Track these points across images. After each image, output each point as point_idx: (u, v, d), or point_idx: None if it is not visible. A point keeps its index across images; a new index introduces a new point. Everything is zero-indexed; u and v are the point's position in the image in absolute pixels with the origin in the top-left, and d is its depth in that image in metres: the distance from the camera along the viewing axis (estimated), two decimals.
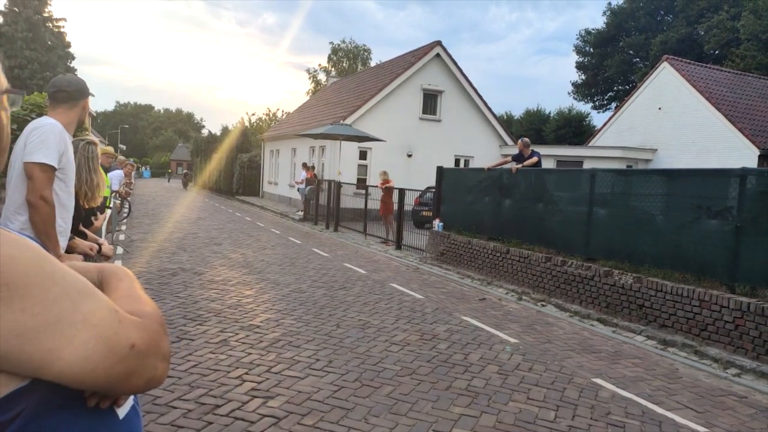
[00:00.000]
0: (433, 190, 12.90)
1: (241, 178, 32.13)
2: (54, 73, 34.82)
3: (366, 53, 50.01)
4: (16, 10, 39.25)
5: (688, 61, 23.49)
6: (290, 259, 10.35)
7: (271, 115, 51.89)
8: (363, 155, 21.29)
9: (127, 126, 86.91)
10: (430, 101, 22.33)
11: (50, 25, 41.77)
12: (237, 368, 4.51)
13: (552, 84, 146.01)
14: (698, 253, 6.58)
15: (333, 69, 47.60)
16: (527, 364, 5.19)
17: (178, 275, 8.15)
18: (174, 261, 9.37)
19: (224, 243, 12.03)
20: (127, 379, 0.75)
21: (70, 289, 0.73)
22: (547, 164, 17.65)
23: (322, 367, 4.69)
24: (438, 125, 22.31)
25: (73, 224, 3.15)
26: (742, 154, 18.24)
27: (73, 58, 44.22)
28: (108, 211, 8.48)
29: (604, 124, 25.24)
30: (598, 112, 48.95)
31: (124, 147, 69.57)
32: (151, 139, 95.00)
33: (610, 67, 38.56)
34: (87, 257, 3.37)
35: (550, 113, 39.11)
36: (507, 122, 34.52)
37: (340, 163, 17.95)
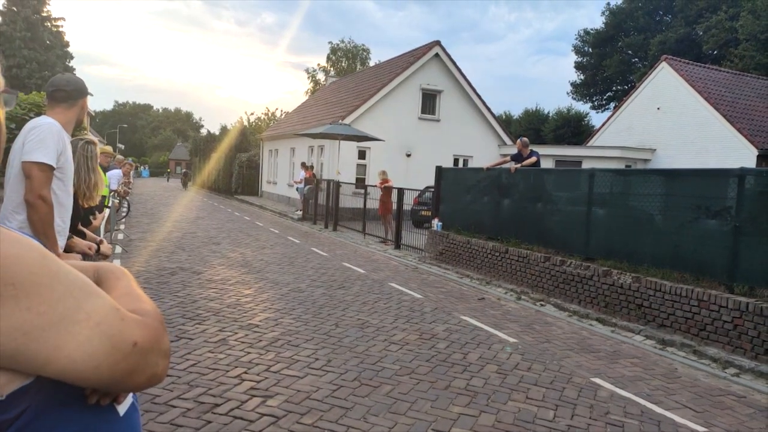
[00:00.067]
0: (432, 189, 12.90)
1: (239, 178, 32.12)
2: (52, 72, 34.80)
3: (365, 53, 50.03)
4: (15, 9, 39.19)
5: (686, 61, 23.51)
6: (289, 259, 10.35)
7: (270, 115, 51.88)
8: (362, 155, 21.29)
9: (125, 125, 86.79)
10: (429, 101, 22.33)
11: (49, 24, 41.69)
12: (236, 367, 4.51)
13: (551, 84, 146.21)
14: (697, 253, 6.59)
15: (332, 69, 47.61)
16: (526, 363, 5.20)
17: (177, 274, 8.15)
18: (173, 260, 9.36)
19: (223, 242, 12.03)
20: (130, 376, 0.77)
21: (73, 288, 0.74)
22: (546, 164, 17.68)
23: (321, 366, 4.69)
24: (437, 125, 22.31)
25: (71, 223, 3.15)
26: (741, 154, 18.26)
27: (72, 57, 44.12)
28: (106, 211, 8.48)
29: (603, 124, 25.26)
30: (597, 112, 49.07)
31: (122, 146, 69.48)
32: (150, 138, 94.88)
33: (609, 67, 38.59)
34: (85, 256, 3.37)
35: (548, 113, 39.15)
36: (506, 122, 34.56)
37: (339, 163, 17.94)
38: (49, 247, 2.64)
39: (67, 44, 43.32)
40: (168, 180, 55.14)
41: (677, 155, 20.46)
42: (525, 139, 10.50)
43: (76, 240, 3.39)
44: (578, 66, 42.41)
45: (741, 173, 6.18)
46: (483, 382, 4.59)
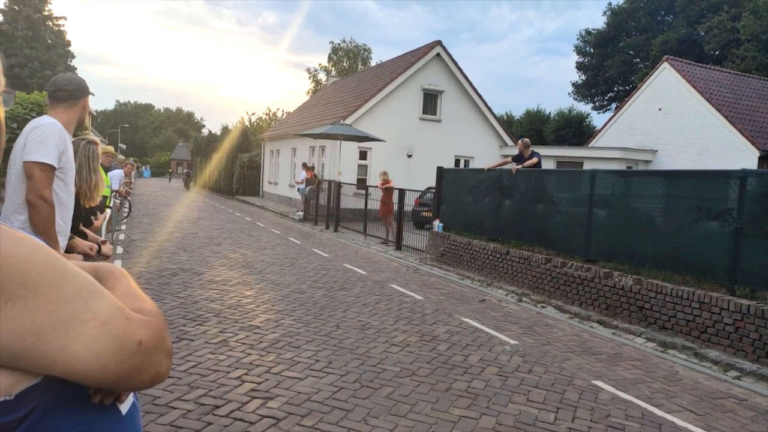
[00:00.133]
0: (433, 190, 12.90)
1: (241, 178, 32.12)
2: (54, 71, 34.82)
3: (366, 53, 50.05)
4: (16, 8, 39.24)
5: (688, 61, 23.49)
6: (290, 260, 10.34)
7: (271, 115, 51.91)
8: (363, 155, 21.28)
9: (127, 125, 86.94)
10: (431, 101, 22.32)
11: (50, 23, 41.76)
12: (237, 369, 4.50)
13: (552, 84, 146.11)
14: (698, 255, 6.57)
15: (333, 68, 47.61)
16: (527, 365, 5.19)
17: (178, 275, 8.14)
18: (174, 261, 9.36)
19: (224, 243, 12.03)
20: (135, 374, 0.78)
21: (81, 288, 0.75)
22: (547, 165, 17.66)
23: (322, 368, 4.68)
24: (438, 125, 22.31)
25: (73, 224, 3.14)
26: (742, 156, 18.25)
27: (73, 56, 44.19)
28: (108, 211, 8.48)
29: (605, 125, 25.24)
30: (599, 113, 49.04)
31: (124, 146, 69.61)
32: (151, 138, 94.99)
33: (611, 67, 38.58)
34: (87, 257, 3.37)
35: (550, 114, 39.13)
36: (507, 122, 34.53)
37: (340, 163, 17.94)
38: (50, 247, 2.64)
39: (68, 43, 43.39)
40: (170, 180, 55.15)
41: (678, 156, 20.44)
42: (526, 139, 10.49)
43: (78, 240, 3.39)
44: (580, 66, 42.39)
45: (742, 175, 6.16)
46: (484, 384, 4.58)
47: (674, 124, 21.20)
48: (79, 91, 2.94)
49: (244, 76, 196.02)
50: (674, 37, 33.48)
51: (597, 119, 64.85)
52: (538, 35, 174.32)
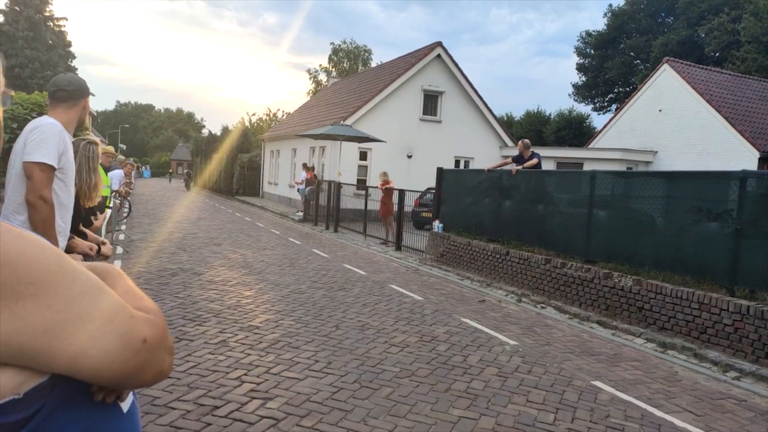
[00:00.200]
0: (433, 191, 12.90)
1: (241, 179, 32.13)
2: (55, 72, 34.86)
3: (367, 54, 50.08)
4: (17, 9, 39.30)
5: (688, 63, 23.49)
6: (290, 260, 10.35)
7: (271, 116, 51.90)
8: (363, 156, 21.30)
9: (127, 125, 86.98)
10: (431, 102, 22.34)
11: (51, 24, 41.82)
12: (236, 369, 4.51)
13: (552, 85, 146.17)
14: (698, 256, 6.58)
15: (333, 69, 47.65)
16: (526, 366, 5.19)
17: (178, 275, 8.15)
18: (174, 261, 9.36)
19: (224, 243, 12.03)
20: (140, 372, 0.79)
21: (88, 286, 0.76)
22: (548, 166, 17.67)
23: (322, 368, 4.69)
24: (438, 126, 22.32)
25: (72, 224, 3.15)
26: (743, 157, 18.26)
27: (74, 57, 44.25)
28: (108, 211, 8.48)
29: (605, 126, 25.25)
30: (599, 114, 49.06)
31: (124, 146, 69.64)
32: (152, 138, 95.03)
33: (611, 68, 38.58)
34: (86, 257, 3.37)
35: (550, 115, 39.11)
36: (507, 123, 34.54)
37: (340, 164, 17.94)
38: None
39: (69, 44, 43.46)
40: (170, 181, 55.13)
41: (679, 157, 20.44)
42: (526, 140, 10.50)
43: (77, 240, 3.39)
44: (580, 68, 42.40)
45: (743, 176, 6.17)
46: (483, 385, 4.58)
47: (674, 126, 21.21)
48: (80, 92, 2.95)
49: (244, 77, 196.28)
50: (675, 39, 33.49)
51: (597, 120, 64.86)
52: (538, 37, 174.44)
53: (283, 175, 27.79)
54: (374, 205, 14.94)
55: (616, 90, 41.45)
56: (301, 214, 19.31)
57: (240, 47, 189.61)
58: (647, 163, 21.38)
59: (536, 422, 3.95)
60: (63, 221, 2.92)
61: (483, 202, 10.69)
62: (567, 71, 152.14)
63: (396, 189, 13.52)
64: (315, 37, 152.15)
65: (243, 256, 10.37)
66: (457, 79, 22.40)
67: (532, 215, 9.30)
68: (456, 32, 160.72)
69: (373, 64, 45.73)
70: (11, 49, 37.79)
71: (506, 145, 23.01)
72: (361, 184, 19.30)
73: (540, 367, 5.20)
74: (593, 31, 40.91)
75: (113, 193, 10.21)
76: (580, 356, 5.70)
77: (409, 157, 21.58)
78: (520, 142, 10.48)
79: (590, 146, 24.96)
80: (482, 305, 7.83)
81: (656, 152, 21.56)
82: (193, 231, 13.93)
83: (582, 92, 42.65)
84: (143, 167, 66.83)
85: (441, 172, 12.05)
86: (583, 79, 42.35)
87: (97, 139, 3.61)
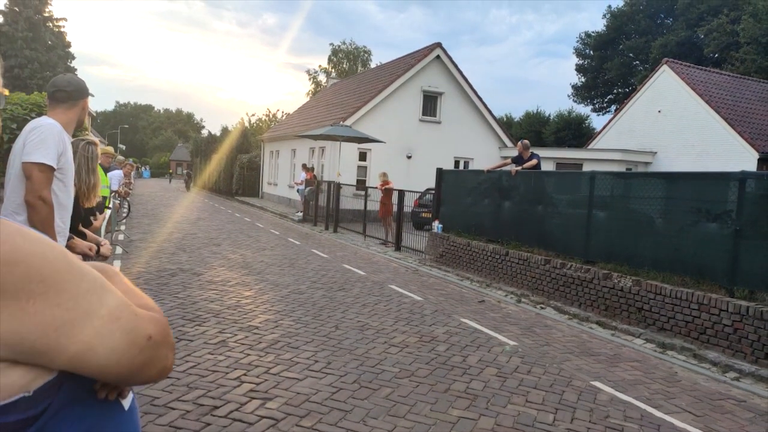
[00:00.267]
0: (433, 191, 12.91)
1: (240, 179, 32.13)
2: (54, 72, 34.85)
3: (366, 55, 50.12)
4: (17, 9, 39.27)
5: (687, 64, 23.52)
6: (289, 260, 10.35)
7: (270, 116, 51.90)
8: (363, 156, 21.30)
9: (126, 126, 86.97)
10: (430, 103, 22.35)
11: (50, 24, 41.79)
12: (235, 369, 4.50)
13: (552, 86, 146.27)
14: (697, 257, 6.58)
15: (333, 70, 47.67)
16: (526, 366, 5.19)
17: (177, 276, 8.14)
18: (173, 261, 9.36)
19: (223, 244, 12.03)
20: (144, 368, 0.81)
21: (94, 285, 0.77)
22: (547, 167, 17.68)
23: (321, 368, 4.68)
24: (438, 127, 22.33)
25: (72, 224, 3.15)
26: (742, 158, 18.28)
27: (74, 57, 44.20)
28: (107, 211, 8.47)
29: (604, 127, 25.26)
30: (598, 115, 49.08)
31: (123, 147, 69.62)
32: (151, 139, 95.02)
33: (610, 69, 38.61)
34: (85, 257, 3.37)
35: (549, 115, 39.15)
36: (507, 124, 34.55)
37: (339, 165, 17.95)
38: None
39: (68, 45, 43.41)
40: (170, 181, 55.04)
41: (678, 158, 20.46)
42: (526, 141, 10.51)
43: (77, 241, 3.39)
44: (579, 68, 42.43)
45: (742, 177, 6.17)
46: (483, 385, 4.58)
47: (674, 127, 21.22)
48: (79, 92, 2.95)
49: (244, 78, 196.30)
50: (674, 40, 33.52)
51: (596, 121, 64.78)
52: (537, 38, 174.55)
53: (282, 175, 27.79)
54: (374, 205, 14.94)
55: (615, 91, 41.48)
56: (300, 214, 19.31)
57: (239, 48, 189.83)
58: (646, 164, 21.40)
59: (535, 422, 3.95)
60: (62, 221, 2.92)
61: (482, 203, 10.69)
62: (566, 72, 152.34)
63: (395, 189, 13.52)
64: (314, 37, 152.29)
65: (242, 257, 10.36)
66: (457, 80, 22.41)
67: (532, 216, 9.30)
68: (455, 33, 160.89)
69: (373, 65, 45.78)
70: (10, 50, 37.78)
71: (506, 146, 23.03)
72: (361, 184, 19.30)
73: (539, 367, 5.20)
74: (592, 32, 40.99)
75: (113, 194, 10.20)
76: (580, 356, 5.71)
77: (409, 157, 21.59)
78: (519, 143, 10.49)
79: (589, 147, 24.97)
80: (482, 306, 7.83)
81: (655, 153, 21.58)
82: (193, 231, 13.93)
83: (581, 93, 42.68)
84: (142, 168, 66.81)
85: (440, 173, 12.06)
86: (583, 80, 42.39)
87: (96, 140, 3.61)
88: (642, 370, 5.46)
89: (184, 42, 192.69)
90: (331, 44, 64.71)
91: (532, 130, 37.47)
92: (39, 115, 6.11)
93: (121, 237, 11.92)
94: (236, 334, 5.43)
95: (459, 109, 22.63)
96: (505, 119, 40.06)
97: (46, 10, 41.21)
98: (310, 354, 5.03)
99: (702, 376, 5.42)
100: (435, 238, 11.59)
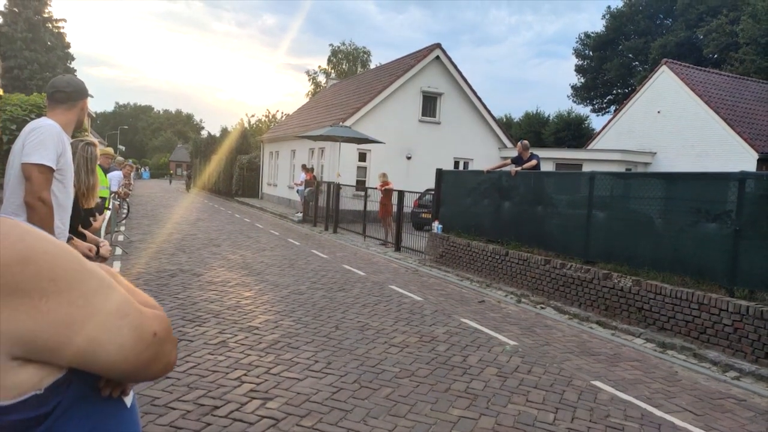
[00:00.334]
0: (433, 192, 12.91)
1: (240, 180, 32.13)
2: (54, 73, 34.85)
3: (366, 55, 50.16)
4: (16, 10, 39.29)
5: (687, 64, 23.54)
6: (289, 261, 10.34)
7: (270, 117, 51.93)
8: (362, 157, 21.30)
9: (126, 127, 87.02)
10: (430, 103, 22.36)
11: (50, 25, 41.80)
12: (236, 369, 4.50)
13: (551, 87, 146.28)
14: (697, 257, 6.59)
15: (333, 71, 47.70)
16: (526, 366, 5.19)
17: (177, 276, 8.14)
18: (173, 262, 9.36)
19: (223, 244, 12.02)
20: (150, 364, 0.82)
21: (102, 283, 0.79)
22: (547, 167, 17.69)
23: (321, 368, 4.68)
24: (437, 127, 22.34)
25: (71, 225, 3.14)
26: (741, 158, 18.29)
27: (73, 58, 44.22)
28: (107, 212, 8.47)
29: (604, 127, 25.28)
30: (598, 115, 49.04)
31: (123, 148, 69.67)
32: (151, 140, 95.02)
33: (610, 70, 38.63)
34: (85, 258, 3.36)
35: (549, 116, 39.15)
36: (506, 125, 34.58)
37: (339, 165, 17.95)
38: None
39: (68, 45, 43.43)
40: (170, 182, 54.95)
41: (677, 159, 20.47)
42: (525, 142, 10.52)
43: (76, 241, 3.39)
44: (579, 69, 42.46)
45: (741, 177, 6.18)
46: (483, 385, 4.58)
47: (673, 127, 21.24)
48: (78, 93, 2.95)
49: (243, 79, 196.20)
50: (673, 41, 33.55)
51: (596, 122, 64.75)
52: (537, 38, 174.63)
53: (282, 176, 27.80)
54: (373, 206, 14.94)
55: (614, 91, 41.52)
56: (300, 215, 19.31)
57: (239, 49, 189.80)
58: (646, 164, 21.41)
59: (536, 422, 3.95)
60: (62, 222, 2.92)
61: (482, 203, 10.69)
62: (566, 73, 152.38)
63: (395, 190, 13.52)
64: (314, 38, 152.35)
65: (242, 257, 10.36)
66: (456, 80, 22.43)
67: (532, 216, 9.30)
68: (455, 33, 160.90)
69: (372, 66, 45.80)
70: (10, 51, 37.79)
71: (505, 147, 23.04)
72: (361, 185, 19.30)
73: (540, 367, 5.20)
74: (592, 32, 41.03)
75: (112, 195, 10.20)
76: (580, 356, 5.71)
77: (409, 158, 21.60)
78: (519, 144, 10.50)
79: (589, 147, 24.98)
80: (482, 306, 7.83)
81: (655, 153, 21.59)
82: (193, 232, 13.92)
83: (581, 94, 42.71)
84: (142, 168, 66.80)
85: (440, 173, 12.06)
86: (582, 80, 42.42)
87: (96, 141, 3.61)
88: (642, 369, 5.46)
89: (183, 43, 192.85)
90: (331, 45, 64.81)
91: (532, 130, 37.48)
92: (38, 116, 6.11)
93: (120, 238, 11.92)
94: (236, 335, 5.43)
95: (458, 109, 22.64)
96: (504, 120, 40.08)
97: (46, 10, 41.24)
98: (310, 354, 5.03)
99: (702, 376, 5.42)
100: (435, 238, 11.59)
